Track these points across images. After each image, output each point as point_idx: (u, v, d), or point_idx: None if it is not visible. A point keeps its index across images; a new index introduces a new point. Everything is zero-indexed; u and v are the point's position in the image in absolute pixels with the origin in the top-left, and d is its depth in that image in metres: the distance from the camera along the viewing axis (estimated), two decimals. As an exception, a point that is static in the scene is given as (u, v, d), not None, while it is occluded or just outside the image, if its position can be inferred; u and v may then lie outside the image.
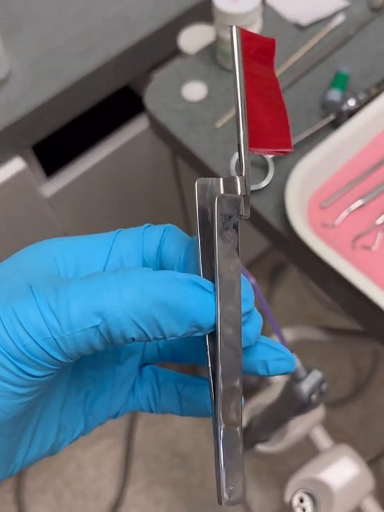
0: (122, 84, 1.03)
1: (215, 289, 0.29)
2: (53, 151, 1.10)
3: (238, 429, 0.31)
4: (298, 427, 0.76)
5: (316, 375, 0.67)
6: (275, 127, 0.32)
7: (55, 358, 0.28)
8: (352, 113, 0.80)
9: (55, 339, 0.28)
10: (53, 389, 0.34)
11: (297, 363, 0.66)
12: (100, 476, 1.59)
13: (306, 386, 0.66)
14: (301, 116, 0.85)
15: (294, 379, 0.66)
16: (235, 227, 0.30)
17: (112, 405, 0.37)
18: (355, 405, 1.58)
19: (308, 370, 0.67)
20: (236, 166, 0.80)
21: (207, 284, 0.29)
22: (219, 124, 0.85)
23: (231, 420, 0.31)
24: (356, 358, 1.63)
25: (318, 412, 0.78)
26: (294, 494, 0.73)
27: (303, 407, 0.66)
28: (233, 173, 0.79)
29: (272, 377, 0.91)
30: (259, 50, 0.33)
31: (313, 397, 0.66)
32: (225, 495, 0.30)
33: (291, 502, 0.73)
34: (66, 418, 0.35)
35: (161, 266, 0.33)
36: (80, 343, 0.28)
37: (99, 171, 1.11)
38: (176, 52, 1.02)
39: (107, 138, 1.10)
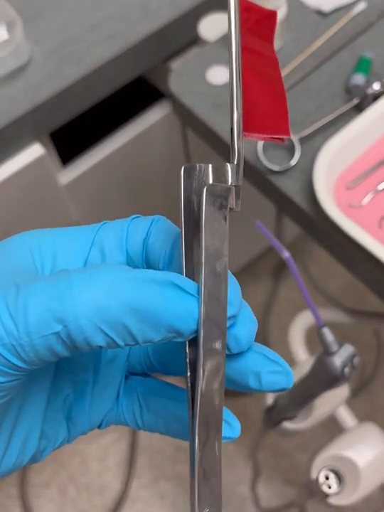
0: (141, 72, 1.03)
1: (198, 291, 0.26)
2: (66, 140, 1.11)
3: (217, 445, 0.28)
4: (324, 404, 0.77)
5: (348, 349, 0.68)
6: (272, 110, 0.29)
7: (15, 365, 0.26)
8: (377, 96, 0.82)
9: (13, 345, 0.25)
10: (30, 394, 0.31)
11: (330, 337, 0.67)
12: (105, 470, 1.58)
13: (338, 360, 0.67)
14: (325, 101, 0.86)
15: (327, 353, 0.67)
16: (225, 220, 0.27)
17: (92, 414, 0.34)
18: (360, 401, 1.58)
19: (340, 344, 0.68)
20: (264, 148, 0.81)
21: (188, 285, 0.26)
22: (244, 107, 0.85)
23: (210, 436, 0.28)
24: (361, 353, 1.63)
25: (344, 391, 0.79)
26: (319, 471, 0.74)
27: (335, 380, 0.67)
28: (260, 155, 0.80)
29: (299, 356, 0.91)
30: (257, 23, 0.30)
31: (346, 370, 0.67)
32: None
33: (317, 479, 0.74)
34: (48, 425, 0.33)
35: (147, 261, 0.30)
36: (40, 350, 0.25)
37: (114, 161, 1.11)
38: (194, 41, 1.03)
39: (122, 127, 1.11)
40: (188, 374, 0.28)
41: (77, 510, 1.55)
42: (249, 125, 0.28)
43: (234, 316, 0.27)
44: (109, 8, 1.00)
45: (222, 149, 0.86)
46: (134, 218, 0.31)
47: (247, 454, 1.50)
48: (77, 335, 0.25)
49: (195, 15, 1.00)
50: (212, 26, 0.97)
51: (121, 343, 0.26)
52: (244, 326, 0.28)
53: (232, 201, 0.28)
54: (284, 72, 0.86)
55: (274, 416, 0.77)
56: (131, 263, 0.30)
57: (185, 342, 0.28)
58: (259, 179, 0.82)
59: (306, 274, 1.69)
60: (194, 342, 0.27)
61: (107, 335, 0.25)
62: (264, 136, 0.29)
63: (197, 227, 0.27)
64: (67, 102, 0.96)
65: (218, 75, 0.89)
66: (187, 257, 0.28)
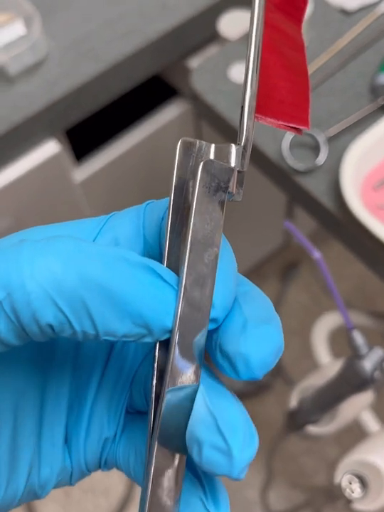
0: (158, 69, 1.02)
1: (179, 283, 0.23)
2: (76, 137, 1.10)
3: (179, 471, 0.24)
4: (349, 408, 0.76)
5: (378, 352, 0.66)
6: (292, 96, 0.26)
7: None
8: (403, 97, 0.81)
9: None
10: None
11: (360, 339, 0.66)
12: (110, 472, 1.56)
13: (368, 363, 0.66)
14: (349, 100, 0.85)
15: (356, 356, 0.66)
16: (221, 205, 0.23)
17: (88, 448, 0.29)
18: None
19: (370, 347, 0.67)
20: (290, 147, 0.79)
21: (167, 273, 0.23)
22: (268, 106, 0.84)
23: (169, 453, 0.23)
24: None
25: (369, 395, 0.78)
26: (343, 475, 0.73)
27: (364, 384, 0.66)
28: (286, 153, 0.79)
29: (322, 358, 0.90)
30: (287, 0, 0.27)
31: (376, 373, 0.66)
32: None
33: (340, 483, 0.73)
34: (46, 448, 0.28)
35: (159, 246, 0.26)
36: None
37: (128, 159, 1.10)
38: (210, 39, 1.02)
39: (136, 125, 1.10)
40: (154, 382, 0.24)
41: (82, 512, 1.54)
42: (264, 108, 0.25)
43: (215, 320, 0.23)
44: (126, 4, 0.99)
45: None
46: (149, 203, 0.27)
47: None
48: (22, 306, 0.21)
49: (212, 12, 0.99)
50: (233, 24, 0.96)
51: (76, 325, 0.21)
52: (261, 347, 0.23)
53: (232, 185, 0.24)
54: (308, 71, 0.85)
55: (297, 419, 0.76)
56: (150, 251, 0.26)
57: (155, 343, 0.24)
58: (284, 179, 0.81)
59: (315, 276, 1.68)
60: (166, 346, 0.23)
61: (59, 310, 0.21)
62: (280, 123, 0.26)
63: (188, 211, 0.23)
64: (84, 98, 0.95)
65: (240, 73, 0.88)
66: (171, 247, 0.24)
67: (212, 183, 0.23)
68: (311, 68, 0.86)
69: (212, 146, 0.24)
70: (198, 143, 0.24)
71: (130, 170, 1.13)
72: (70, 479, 0.29)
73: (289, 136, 0.79)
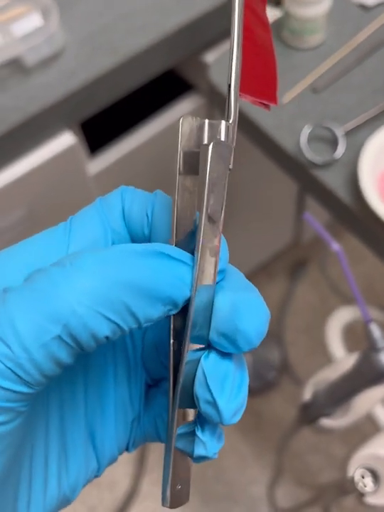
0: (172, 63, 1.02)
1: (195, 256, 0.25)
2: (94, 130, 1.10)
3: (193, 417, 0.28)
4: (363, 402, 0.76)
5: (394, 346, 0.67)
6: (263, 74, 0.28)
7: (17, 392, 0.23)
8: (421, 92, 0.81)
9: (10, 369, 0.22)
10: (36, 419, 0.27)
11: (377, 332, 0.66)
12: (115, 466, 1.56)
13: (385, 356, 0.66)
14: (367, 96, 0.85)
15: (373, 349, 0.66)
16: (224, 181, 0.26)
17: (119, 435, 0.31)
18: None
19: (387, 340, 0.67)
20: (308, 141, 0.79)
21: (174, 251, 0.25)
22: (285, 100, 0.85)
23: (188, 411, 0.27)
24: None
25: (383, 389, 0.78)
26: (355, 469, 0.73)
27: (380, 377, 0.66)
28: (304, 148, 0.79)
29: (337, 353, 0.90)
30: None
31: (393, 367, 0.66)
32: (169, 494, 0.27)
33: (352, 477, 0.73)
34: (70, 453, 0.29)
35: (129, 232, 0.28)
36: (43, 363, 0.22)
37: (142, 153, 1.11)
38: (227, 33, 1.02)
39: (151, 119, 1.10)
40: (171, 341, 0.27)
41: (87, 506, 1.53)
42: (242, 85, 0.27)
43: (222, 271, 0.26)
44: (143, -3, 0.99)
45: (263, 141, 0.86)
46: (100, 199, 0.29)
47: (259, 453, 1.49)
48: (80, 330, 0.22)
49: (229, 6, 0.99)
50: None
51: (125, 326, 0.23)
52: (254, 319, 0.25)
53: (232, 162, 0.26)
54: (326, 66, 0.86)
55: (311, 412, 0.76)
56: (119, 238, 0.29)
57: None
58: (301, 172, 0.81)
59: (323, 275, 1.68)
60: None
61: (109, 320, 0.23)
62: (253, 98, 0.28)
63: (188, 188, 0.27)
64: (99, 91, 0.95)
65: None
66: (182, 218, 0.27)
67: (219, 161, 0.25)
68: (329, 63, 0.86)
69: (206, 121, 0.26)
70: (195, 122, 0.27)
71: (143, 164, 1.14)
72: (97, 472, 0.31)
73: (306, 129, 0.79)
